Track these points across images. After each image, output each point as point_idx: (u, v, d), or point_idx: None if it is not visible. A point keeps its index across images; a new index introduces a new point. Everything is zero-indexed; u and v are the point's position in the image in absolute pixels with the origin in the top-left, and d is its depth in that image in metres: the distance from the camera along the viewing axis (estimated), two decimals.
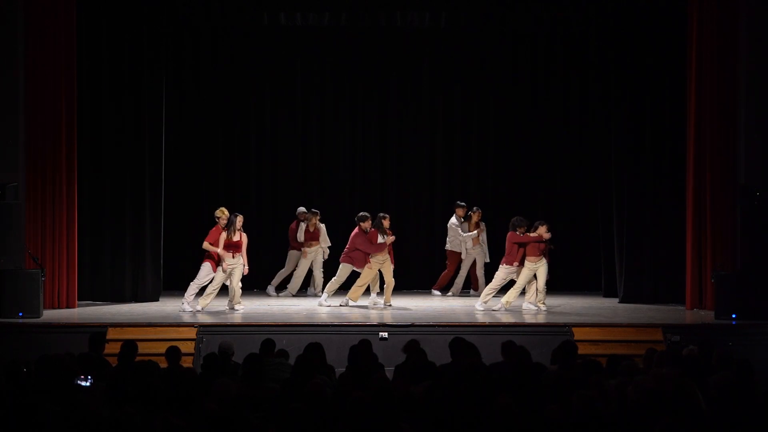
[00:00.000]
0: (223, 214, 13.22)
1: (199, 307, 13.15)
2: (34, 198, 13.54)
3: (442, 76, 16.49)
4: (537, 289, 13.37)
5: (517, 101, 16.46)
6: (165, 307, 13.99)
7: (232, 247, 13.17)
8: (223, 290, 13.51)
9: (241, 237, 13.22)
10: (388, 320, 12.40)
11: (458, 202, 15.37)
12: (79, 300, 13.95)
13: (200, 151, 16.31)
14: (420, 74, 16.55)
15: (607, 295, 15.26)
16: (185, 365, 9.08)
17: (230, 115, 16.37)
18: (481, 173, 16.63)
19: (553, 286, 15.28)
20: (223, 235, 13.12)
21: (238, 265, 13.23)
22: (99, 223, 14.59)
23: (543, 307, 13.32)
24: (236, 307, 13.30)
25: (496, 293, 13.65)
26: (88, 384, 7.16)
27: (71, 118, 13.73)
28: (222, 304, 13.49)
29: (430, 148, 16.65)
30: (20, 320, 12.46)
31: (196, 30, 15.97)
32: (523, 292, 13.60)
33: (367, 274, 13.55)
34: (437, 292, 15.51)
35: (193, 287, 13.27)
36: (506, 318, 12.92)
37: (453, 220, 15.31)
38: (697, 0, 13.72)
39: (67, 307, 13.65)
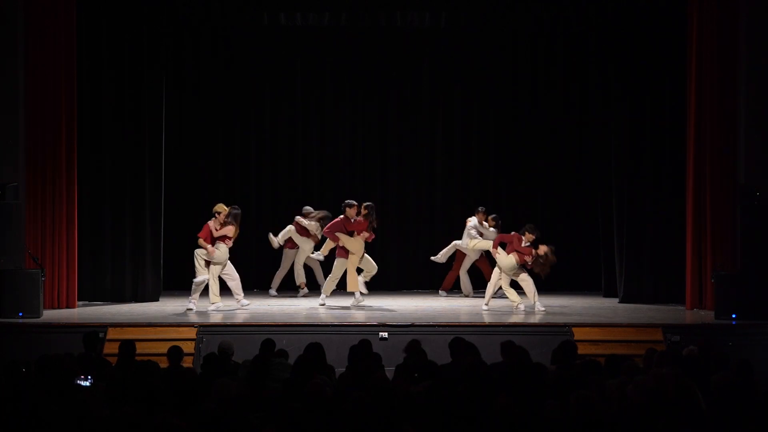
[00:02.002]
0: (223, 209, 13.27)
1: (212, 307, 13.22)
2: (34, 198, 13.54)
3: (442, 76, 16.49)
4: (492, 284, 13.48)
5: (517, 101, 16.46)
6: (165, 307, 13.98)
7: (220, 238, 13.23)
8: (225, 291, 13.51)
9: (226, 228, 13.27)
10: (388, 320, 12.39)
11: (479, 208, 15.06)
12: (79, 300, 13.96)
13: (200, 151, 16.31)
14: (420, 74, 16.54)
15: (607, 295, 15.25)
16: (185, 365, 9.08)
17: (230, 115, 16.37)
18: (481, 173, 16.62)
19: (553, 286, 15.30)
20: (214, 228, 13.19)
21: (223, 256, 13.26)
22: (99, 223, 14.59)
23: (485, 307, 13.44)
24: (214, 302, 13.31)
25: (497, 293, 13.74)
26: (88, 384, 7.16)
27: (71, 118, 13.73)
28: (225, 304, 13.45)
29: (430, 148, 16.64)
30: (20, 320, 12.46)
31: (196, 30, 15.97)
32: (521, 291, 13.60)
33: (349, 262, 13.55)
34: (443, 293, 15.45)
35: (195, 286, 13.31)
36: (506, 318, 12.92)
37: (475, 223, 15.02)
38: (697, 0, 13.73)
39: (67, 307, 13.65)
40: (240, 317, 12.86)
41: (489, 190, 16.49)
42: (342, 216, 13.58)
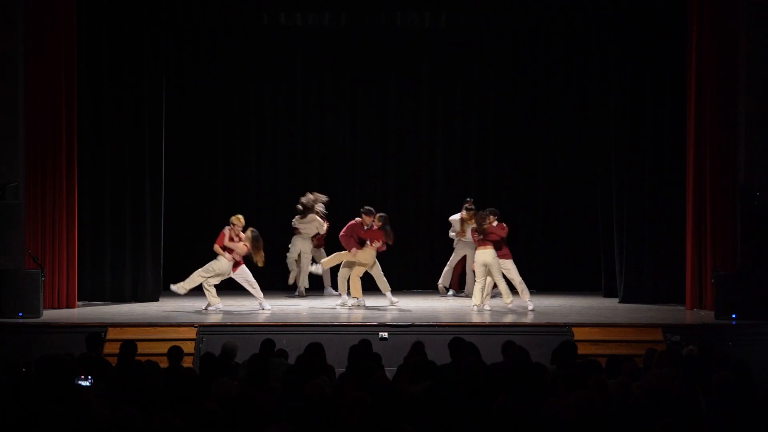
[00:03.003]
0: (239, 221, 13.33)
1: (221, 306, 13.26)
2: (34, 198, 13.54)
3: (442, 76, 16.48)
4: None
5: (516, 101, 16.46)
6: (165, 307, 13.99)
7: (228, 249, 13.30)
8: (224, 291, 13.51)
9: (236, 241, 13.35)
10: (388, 320, 12.40)
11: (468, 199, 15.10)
12: (79, 300, 13.96)
13: (200, 151, 16.31)
14: (420, 74, 16.54)
15: (607, 295, 15.24)
16: (185, 365, 9.09)
17: (230, 115, 16.37)
18: (480, 173, 16.61)
19: (553, 286, 15.32)
20: (226, 239, 13.26)
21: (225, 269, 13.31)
22: (99, 223, 14.59)
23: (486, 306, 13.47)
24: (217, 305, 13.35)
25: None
26: (88, 384, 7.16)
27: (71, 117, 13.73)
28: (225, 304, 13.46)
29: (430, 147, 16.64)
30: (20, 320, 12.46)
31: (196, 30, 15.97)
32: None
33: (343, 256, 13.65)
34: (451, 292, 15.46)
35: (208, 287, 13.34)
36: (506, 318, 12.93)
37: (456, 218, 15.11)
38: (697, 0, 13.74)
39: (67, 307, 13.65)
40: (240, 317, 12.85)
41: (489, 189, 16.48)
42: (359, 219, 13.61)
